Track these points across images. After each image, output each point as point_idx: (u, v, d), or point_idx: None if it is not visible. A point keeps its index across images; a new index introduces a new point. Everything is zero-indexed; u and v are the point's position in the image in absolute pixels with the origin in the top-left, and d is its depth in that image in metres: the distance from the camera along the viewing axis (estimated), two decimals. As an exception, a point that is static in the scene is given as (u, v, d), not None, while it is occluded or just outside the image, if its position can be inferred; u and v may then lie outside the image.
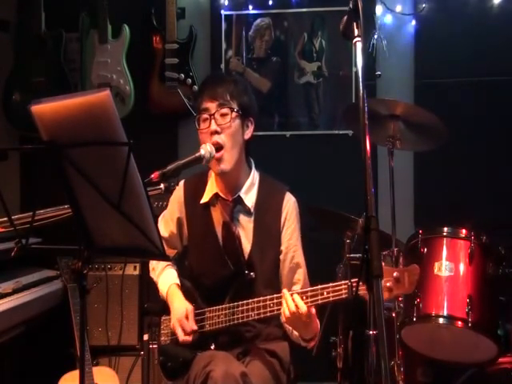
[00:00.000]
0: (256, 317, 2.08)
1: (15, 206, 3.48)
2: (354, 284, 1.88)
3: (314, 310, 2.03)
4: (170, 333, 2.25)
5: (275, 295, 2.06)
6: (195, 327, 2.16)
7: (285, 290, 2.02)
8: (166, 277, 2.35)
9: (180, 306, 2.20)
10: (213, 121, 2.15)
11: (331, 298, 1.95)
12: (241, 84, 2.25)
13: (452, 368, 2.59)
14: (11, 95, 3.69)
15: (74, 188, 1.58)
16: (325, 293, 1.96)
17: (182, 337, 2.15)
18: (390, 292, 1.88)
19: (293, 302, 1.97)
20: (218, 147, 2.13)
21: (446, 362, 2.53)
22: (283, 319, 2.03)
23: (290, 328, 2.15)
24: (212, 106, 2.17)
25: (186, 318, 2.16)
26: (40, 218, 1.67)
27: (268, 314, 2.06)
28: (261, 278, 2.21)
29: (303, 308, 1.95)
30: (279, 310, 2.03)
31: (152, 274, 2.43)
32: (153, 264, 2.43)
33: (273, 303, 2.05)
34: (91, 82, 3.68)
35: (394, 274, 1.88)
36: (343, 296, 1.93)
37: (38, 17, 3.64)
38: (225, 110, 2.17)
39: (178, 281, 2.31)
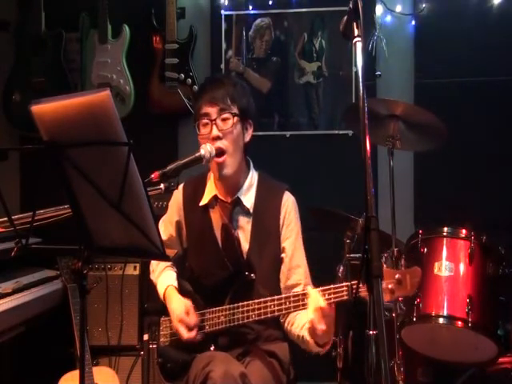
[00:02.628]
0: (256, 318, 2.07)
1: (15, 206, 3.48)
2: (354, 286, 1.88)
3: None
4: (170, 334, 2.24)
5: (276, 297, 2.05)
6: (198, 319, 2.14)
7: (309, 287, 2.00)
8: (163, 279, 2.34)
9: (178, 304, 2.18)
10: (214, 126, 2.13)
11: (332, 300, 1.94)
12: (240, 86, 2.23)
13: (452, 368, 2.59)
14: (11, 95, 3.70)
15: (74, 188, 1.58)
16: (326, 295, 1.94)
17: (185, 335, 2.12)
18: (391, 294, 1.86)
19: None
20: (221, 152, 2.12)
21: (446, 362, 2.53)
22: (308, 327, 1.99)
23: (307, 339, 2.06)
24: (213, 110, 2.15)
25: (187, 313, 2.15)
26: (40, 217, 1.67)
27: (269, 315, 2.05)
28: (260, 277, 2.20)
29: (322, 303, 1.91)
30: (279, 310, 2.02)
31: (152, 276, 2.43)
32: (153, 266, 2.43)
33: (273, 304, 2.04)
34: (91, 82, 3.68)
35: (396, 276, 1.86)
36: (344, 298, 1.92)
37: (38, 17, 3.64)
38: (226, 115, 2.15)
39: (175, 283, 2.30)
